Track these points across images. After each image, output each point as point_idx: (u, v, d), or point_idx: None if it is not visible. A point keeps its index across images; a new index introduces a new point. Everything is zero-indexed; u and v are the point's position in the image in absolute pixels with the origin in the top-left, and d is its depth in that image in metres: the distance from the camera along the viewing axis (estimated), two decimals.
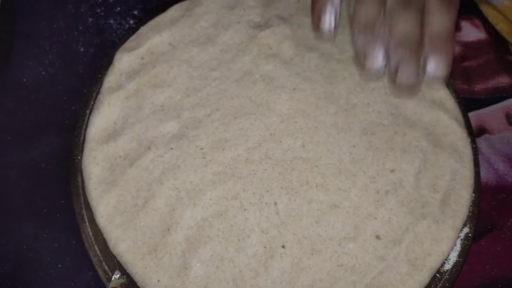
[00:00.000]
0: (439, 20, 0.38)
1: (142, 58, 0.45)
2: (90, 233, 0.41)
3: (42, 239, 0.43)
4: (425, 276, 0.38)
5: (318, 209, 0.39)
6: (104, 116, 0.43)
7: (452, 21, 0.38)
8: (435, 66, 0.38)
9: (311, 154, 0.41)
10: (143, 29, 0.46)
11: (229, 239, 0.38)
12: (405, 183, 0.40)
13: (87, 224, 0.41)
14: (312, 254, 0.38)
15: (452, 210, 0.39)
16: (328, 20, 0.39)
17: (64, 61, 0.49)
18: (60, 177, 0.44)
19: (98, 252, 0.40)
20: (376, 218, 0.39)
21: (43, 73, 0.49)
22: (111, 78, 0.44)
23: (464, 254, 0.39)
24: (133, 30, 0.46)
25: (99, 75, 0.44)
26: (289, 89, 0.43)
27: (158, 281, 0.38)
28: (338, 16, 0.40)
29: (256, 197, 0.40)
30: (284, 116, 0.42)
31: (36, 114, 0.47)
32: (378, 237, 0.38)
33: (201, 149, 0.41)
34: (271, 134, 0.42)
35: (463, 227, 0.40)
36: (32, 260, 0.43)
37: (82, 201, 0.41)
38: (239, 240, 0.38)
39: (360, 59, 0.39)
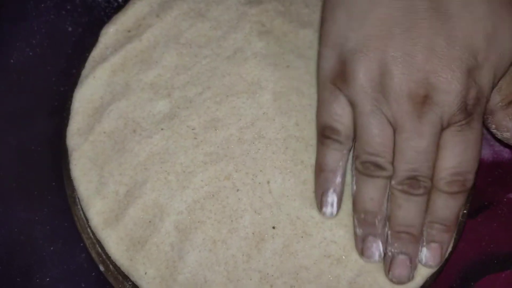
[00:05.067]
0: (444, 208, 0.37)
1: (129, 31, 0.44)
2: (83, 216, 0.41)
3: (34, 222, 0.43)
4: (418, 283, 0.38)
5: (312, 190, 0.39)
6: (89, 90, 0.42)
7: (458, 208, 0.37)
8: (428, 255, 0.37)
9: (305, 133, 0.40)
10: (132, 1, 0.45)
11: (221, 220, 0.38)
12: None
13: (79, 206, 0.41)
14: (302, 237, 0.38)
15: None
16: (330, 204, 0.38)
17: (52, 41, 0.48)
18: (50, 159, 0.44)
19: (91, 234, 0.40)
20: None
21: (31, 53, 0.48)
22: (96, 53, 0.44)
23: (459, 231, 0.39)
24: (121, 8, 0.45)
25: (87, 54, 0.44)
26: (283, 66, 0.42)
27: (146, 273, 0.38)
28: (341, 198, 0.38)
29: (249, 177, 0.39)
30: (278, 94, 0.42)
31: (25, 96, 0.47)
32: None
33: (193, 129, 0.41)
34: (264, 113, 0.41)
35: None
36: (25, 243, 0.42)
37: (73, 183, 0.41)
38: (231, 221, 0.38)
39: (358, 246, 0.38)
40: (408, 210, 0.36)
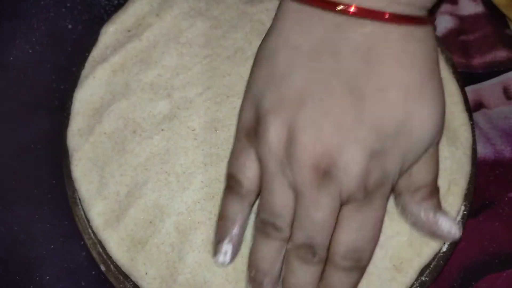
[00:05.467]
0: (336, 282, 0.35)
1: (129, 31, 0.44)
2: (84, 216, 0.40)
3: (34, 220, 0.43)
4: (412, 277, 0.38)
5: None
6: (89, 90, 0.42)
7: (351, 284, 0.36)
8: None
9: None
10: (131, 0, 0.45)
11: None
12: None
13: (80, 207, 0.41)
14: None
15: (449, 204, 0.39)
16: (223, 253, 0.37)
17: (52, 39, 0.48)
18: (50, 158, 0.44)
19: (92, 235, 0.40)
20: None
21: (31, 51, 0.48)
22: (96, 52, 0.43)
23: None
24: (121, 6, 0.45)
25: (87, 54, 0.44)
26: None
27: (146, 273, 0.38)
28: (237, 248, 0.38)
29: None
30: None
31: (25, 94, 0.47)
32: None
33: (193, 130, 0.41)
34: None
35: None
36: (24, 242, 0.42)
37: (74, 184, 0.41)
38: None
39: None
40: (300, 276, 0.35)
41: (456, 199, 0.39)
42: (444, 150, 0.40)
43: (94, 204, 0.39)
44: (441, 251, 0.39)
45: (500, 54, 0.48)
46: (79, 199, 0.40)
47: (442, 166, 0.39)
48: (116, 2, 0.49)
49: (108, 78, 0.42)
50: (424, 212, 0.37)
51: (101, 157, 0.40)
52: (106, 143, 0.41)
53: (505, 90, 0.46)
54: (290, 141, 0.34)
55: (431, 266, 0.39)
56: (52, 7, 0.49)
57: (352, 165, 0.33)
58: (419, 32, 0.34)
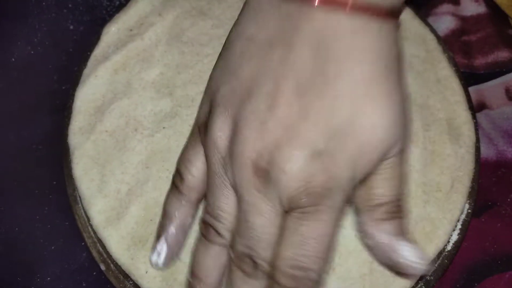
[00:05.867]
0: None
1: (131, 30, 0.44)
2: (84, 215, 0.40)
3: (34, 220, 0.43)
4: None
5: None
6: (90, 89, 0.42)
7: None
8: None
9: None
10: (133, 0, 0.45)
11: None
12: (408, 177, 0.39)
13: (80, 205, 0.40)
14: None
15: (452, 202, 0.39)
16: (157, 252, 0.35)
17: (54, 40, 0.48)
18: (51, 158, 0.44)
19: (92, 233, 0.40)
20: None
21: (32, 52, 0.48)
22: (98, 51, 0.43)
23: (463, 231, 0.39)
24: (123, 7, 0.45)
25: (88, 53, 0.44)
26: None
27: (146, 272, 0.37)
28: (173, 250, 0.35)
29: None
30: None
31: (27, 94, 0.47)
32: None
33: None
34: None
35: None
36: (25, 242, 0.42)
37: (74, 182, 0.41)
38: None
39: None
40: None
41: (460, 197, 0.39)
42: (447, 148, 0.40)
43: (94, 202, 0.39)
44: (446, 250, 0.39)
45: (502, 54, 0.48)
46: (80, 198, 0.40)
47: (445, 163, 0.39)
48: (117, 3, 0.50)
49: (110, 77, 0.42)
50: (383, 235, 0.32)
51: (102, 155, 0.40)
52: (107, 141, 0.41)
53: (507, 91, 0.46)
54: (234, 136, 0.31)
55: (436, 265, 0.38)
56: (53, 8, 0.49)
57: (290, 164, 0.30)
58: (376, 26, 0.31)
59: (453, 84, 0.42)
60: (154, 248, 0.36)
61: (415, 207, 0.38)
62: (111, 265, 0.39)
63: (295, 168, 0.30)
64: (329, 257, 0.32)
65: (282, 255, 0.31)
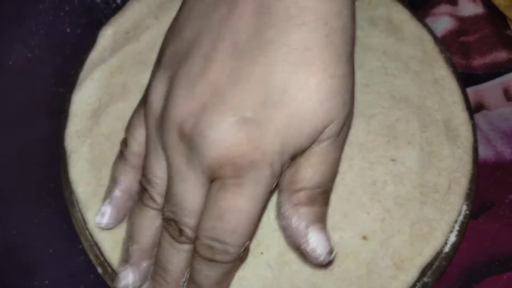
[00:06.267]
0: (198, 272, 0.31)
1: (127, 33, 0.44)
2: (81, 218, 0.40)
3: (32, 224, 0.43)
4: (413, 276, 0.37)
5: None
6: (87, 92, 0.42)
7: (214, 278, 0.31)
8: None
9: None
10: (130, 3, 0.45)
11: None
12: (406, 178, 0.39)
13: (77, 208, 0.40)
14: None
15: (450, 203, 0.39)
16: (101, 214, 0.36)
17: (51, 43, 0.48)
18: (49, 161, 0.44)
19: (89, 237, 0.40)
20: (368, 213, 0.38)
21: (29, 55, 0.48)
22: (94, 55, 0.43)
23: (462, 232, 0.39)
24: (120, 9, 0.45)
25: (85, 56, 0.44)
26: None
27: None
28: (117, 213, 0.36)
29: None
30: None
31: (24, 97, 0.47)
32: (365, 238, 0.37)
33: None
34: None
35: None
36: (23, 245, 0.42)
37: (71, 186, 0.41)
38: None
39: None
40: (168, 255, 0.32)
41: (457, 198, 0.39)
42: (445, 148, 0.40)
43: (91, 205, 0.39)
44: (444, 251, 0.38)
45: (500, 55, 0.48)
46: (76, 201, 0.40)
47: (442, 165, 0.39)
48: (114, 5, 0.49)
49: (106, 80, 0.42)
50: (297, 219, 0.31)
51: (98, 158, 0.40)
52: (103, 144, 0.40)
53: (506, 91, 0.46)
54: (167, 98, 0.30)
55: (434, 266, 0.38)
56: (50, 11, 0.49)
57: (211, 130, 0.28)
58: None
59: (451, 84, 0.42)
60: (99, 209, 0.36)
61: (412, 209, 0.38)
62: (108, 268, 0.39)
63: (217, 134, 0.28)
64: (251, 234, 0.30)
65: (201, 226, 0.30)
